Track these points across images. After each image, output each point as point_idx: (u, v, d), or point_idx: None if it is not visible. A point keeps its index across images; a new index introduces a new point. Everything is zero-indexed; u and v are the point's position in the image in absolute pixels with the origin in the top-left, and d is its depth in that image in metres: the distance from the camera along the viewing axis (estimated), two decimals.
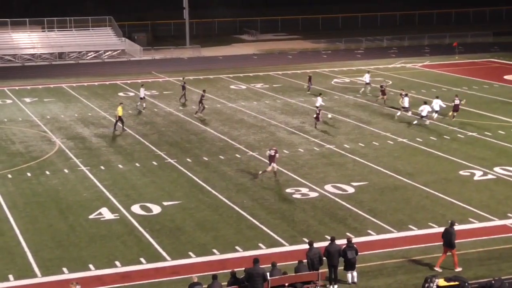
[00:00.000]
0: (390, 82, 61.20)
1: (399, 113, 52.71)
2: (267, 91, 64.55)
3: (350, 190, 37.01)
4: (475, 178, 38.66)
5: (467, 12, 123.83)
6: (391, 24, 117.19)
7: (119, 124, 49.83)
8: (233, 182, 38.46)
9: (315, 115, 50.39)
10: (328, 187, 37.47)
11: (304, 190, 37.07)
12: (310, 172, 40.07)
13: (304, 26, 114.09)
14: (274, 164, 38.62)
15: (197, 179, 38.99)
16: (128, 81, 70.11)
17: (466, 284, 25.21)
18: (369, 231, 31.57)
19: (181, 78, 65.47)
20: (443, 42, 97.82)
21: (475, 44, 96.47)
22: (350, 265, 26.57)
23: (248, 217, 33.42)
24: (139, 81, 69.29)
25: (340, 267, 26.57)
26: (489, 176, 38.82)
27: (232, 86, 66.98)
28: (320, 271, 25.83)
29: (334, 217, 33.34)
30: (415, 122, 50.46)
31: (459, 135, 47.38)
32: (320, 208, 34.50)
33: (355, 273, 26.64)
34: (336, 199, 35.67)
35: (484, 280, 26.15)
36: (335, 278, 26.39)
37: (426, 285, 25.34)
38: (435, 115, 50.88)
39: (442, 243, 27.82)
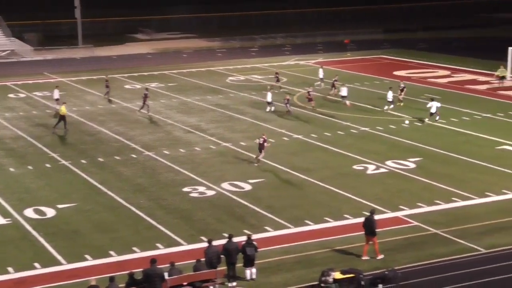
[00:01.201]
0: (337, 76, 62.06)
1: (386, 107, 53.99)
2: (163, 90, 64.19)
3: (247, 187, 37.21)
4: (369, 172, 39.50)
5: (358, 10, 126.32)
6: (285, 22, 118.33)
7: (60, 123, 49.03)
8: (130, 183, 38.08)
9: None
10: (226, 185, 37.55)
11: (201, 188, 37.04)
12: (207, 170, 40.07)
13: (199, 25, 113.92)
14: (263, 152, 40.67)
15: (93, 181, 38.41)
16: (19, 82, 68.36)
17: (361, 275, 25.72)
18: (267, 227, 31.81)
19: (104, 76, 64.30)
20: (336, 39, 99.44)
21: (366, 41, 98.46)
22: (249, 262, 26.71)
23: (146, 217, 33.15)
24: (30, 82, 67.81)
25: (240, 264, 26.69)
26: (382, 170, 39.73)
27: (126, 86, 66.29)
28: (218, 269, 25.87)
29: (232, 214, 33.45)
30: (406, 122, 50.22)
31: (352, 130, 48.30)
32: (218, 206, 34.55)
33: (254, 270, 26.79)
34: (234, 196, 35.79)
35: (379, 271, 26.75)
36: (234, 275, 26.49)
37: (323, 278, 25.74)
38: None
39: (363, 232, 28.61)
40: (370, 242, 28.52)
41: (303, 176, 38.87)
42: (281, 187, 37.19)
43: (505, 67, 63.19)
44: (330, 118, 51.82)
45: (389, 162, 40.97)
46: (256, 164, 40.86)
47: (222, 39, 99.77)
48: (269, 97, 54.04)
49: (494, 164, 40.34)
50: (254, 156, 41.50)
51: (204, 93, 62.55)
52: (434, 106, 49.86)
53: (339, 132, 48.11)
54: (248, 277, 26.72)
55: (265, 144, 41.05)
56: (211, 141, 46.29)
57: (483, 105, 55.34)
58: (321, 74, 64.51)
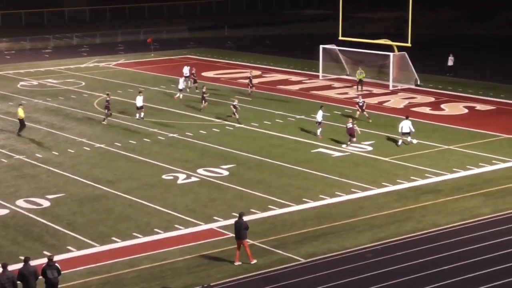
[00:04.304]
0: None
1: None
2: None
3: (46, 203, 36.33)
4: (179, 181, 39.64)
5: (161, 6, 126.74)
6: (80, 20, 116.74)
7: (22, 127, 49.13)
8: None
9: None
10: (20, 202, 36.48)
11: None
12: None
13: None
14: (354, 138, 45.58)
15: None
16: None
17: None
18: (69, 247, 31.18)
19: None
20: (138, 38, 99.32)
21: (171, 40, 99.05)
22: (51, 286, 25.99)
23: None
24: None
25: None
26: (193, 179, 40.00)
27: None
28: None
29: (29, 235, 32.53)
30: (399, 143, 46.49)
31: (160, 137, 48.34)
32: (12, 226, 33.49)
33: None
34: (30, 215, 34.83)
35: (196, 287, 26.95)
36: None
37: None
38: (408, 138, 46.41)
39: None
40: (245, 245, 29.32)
41: (107, 189, 38.45)
42: (83, 202, 36.59)
43: (362, 69, 64.00)
44: (135, 125, 51.60)
45: (200, 170, 41.32)
46: (344, 146, 45.62)
47: (10, 39, 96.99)
48: (139, 100, 53.26)
49: (310, 168, 41.70)
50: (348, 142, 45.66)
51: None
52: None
53: (145, 139, 47.99)
54: None
55: (355, 127, 45.72)
56: (1, 154, 44.84)
57: (296, 106, 57.10)
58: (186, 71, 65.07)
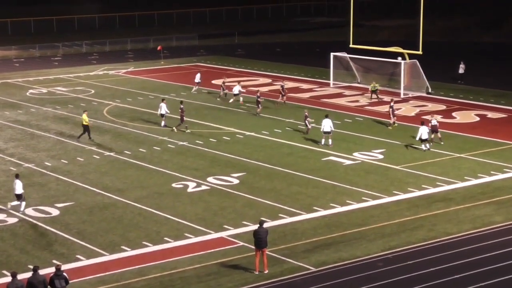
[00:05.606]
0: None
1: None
2: None
3: (55, 212, 36.40)
4: (189, 190, 39.67)
5: (170, 13, 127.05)
6: (90, 27, 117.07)
7: (85, 133, 49.51)
8: None
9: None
10: (29, 210, 36.56)
11: (1, 216, 35.86)
12: (7, 195, 38.83)
13: None
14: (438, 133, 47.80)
15: None
16: None
17: None
18: (78, 256, 31.23)
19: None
20: (147, 46, 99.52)
21: (181, 48, 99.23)
22: None
23: None
24: None
25: None
26: (203, 187, 40.02)
27: None
28: None
29: (38, 244, 32.59)
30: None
31: (169, 145, 48.40)
32: (21, 235, 33.56)
33: None
34: (39, 223, 34.90)
35: None
36: None
37: None
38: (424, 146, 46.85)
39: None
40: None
41: (116, 197, 38.50)
42: (93, 211, 36.65)
43: (376, 81, 63.65)
44: (145, 133, 51.69)
45: (210, 179, 41.35)
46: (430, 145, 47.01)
47: (19, 47, 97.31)
48: (163, 109, 53.04)
49: (321, 176, 41.68)
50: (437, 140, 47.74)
51: (0, 108, 60.68)
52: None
53: (155, 147, 48.05)
54: None
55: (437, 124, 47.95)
56: (10, 162, 44.96)
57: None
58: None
